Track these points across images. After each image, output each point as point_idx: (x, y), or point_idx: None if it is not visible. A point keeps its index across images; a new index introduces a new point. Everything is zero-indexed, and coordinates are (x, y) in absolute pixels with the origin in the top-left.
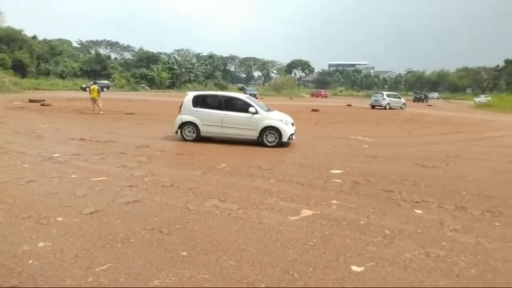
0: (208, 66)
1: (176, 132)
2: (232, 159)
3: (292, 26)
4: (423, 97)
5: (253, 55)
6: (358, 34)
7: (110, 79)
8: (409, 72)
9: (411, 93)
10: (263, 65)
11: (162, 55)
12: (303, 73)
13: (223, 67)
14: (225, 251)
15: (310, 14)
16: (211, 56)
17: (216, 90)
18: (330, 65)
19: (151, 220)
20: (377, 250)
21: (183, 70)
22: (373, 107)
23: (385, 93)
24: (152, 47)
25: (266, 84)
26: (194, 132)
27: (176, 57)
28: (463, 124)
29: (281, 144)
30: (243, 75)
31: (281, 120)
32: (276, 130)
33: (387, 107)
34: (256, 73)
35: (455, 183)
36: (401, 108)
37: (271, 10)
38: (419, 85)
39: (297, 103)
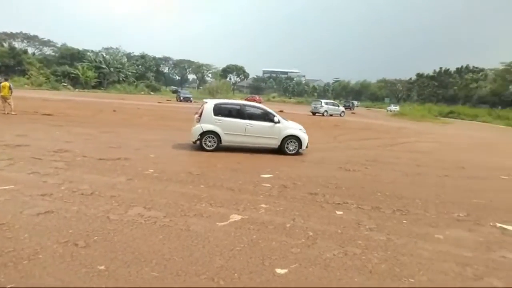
0: (140, 66)
1: (195, 142)
2: (161, 164)
3: (228, 32)
4: (351, 105)
5: (188, 58)
6: (291, 44)
7: (26, 76)
8: (336, 81)
9: (337, 101)
10: (198, 68)
11: (88, 53)
12: (238, 78)
13: (156, 68)
14: (148, 262)
15: (247, 22)
16: (143, 56)
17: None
18: (264, 72)
19: (66, 233)
20: (301, 251)
21: (111, 69)
22: (313, 113)
23: (323, 101)
24: (78, 44)
25: (201, 87)
26: (215, 142)
27: (105, 55)
28: (381, 131)
29: (298, 152)
30: (177, 78)
31: (300, 129)
32: (297, 139)
33: (325, 114)
34: (191, 76)
35: (372, 185)
36: (340, 115)
37: (208, 16)
38: (344, 94)
39: None
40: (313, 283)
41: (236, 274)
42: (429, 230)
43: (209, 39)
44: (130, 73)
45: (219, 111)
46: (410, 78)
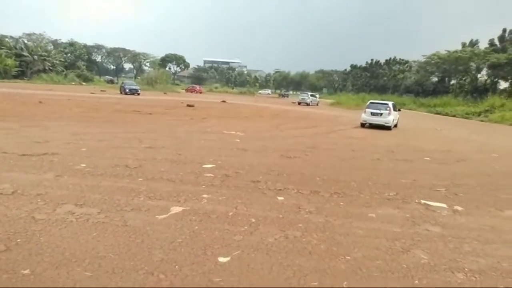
0: (69, 54)
1: (387, 126)
2: (94, 158)
3: (165, 21)
4: (287, 95)
5: (123, 46)
6: (232, 33)
7: None
8: (277, 72)
9: (278, 91)
10: (135, 57)
11: (7, 39)
12: (178, 68)
13: (87, 56)
14: (80, 262)
15: (186, 11)
16: (72, 44)
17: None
18: (205, 61)
19: None
20: (243, 238)
21: (35, 57)
22: (299, 103)
23: (309, 93)
24: None
25: (139, 77)
26: (392, 124)
27: (26, 42)
28: (319, 119)
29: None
30: (112, 67)
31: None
32: (397, 119)
33: (310, 104)
34: (127, 65)
35: (312, 171)
36: (317, 104)
37: (148, 4)
38: (285, 84)
39: (172, 98)
40: (256, 268)
41: (177, 267)
42: (363, 210)
43: (146, 27)
44: (57, 62)
45: (392, 107)
46: (345, 69)
